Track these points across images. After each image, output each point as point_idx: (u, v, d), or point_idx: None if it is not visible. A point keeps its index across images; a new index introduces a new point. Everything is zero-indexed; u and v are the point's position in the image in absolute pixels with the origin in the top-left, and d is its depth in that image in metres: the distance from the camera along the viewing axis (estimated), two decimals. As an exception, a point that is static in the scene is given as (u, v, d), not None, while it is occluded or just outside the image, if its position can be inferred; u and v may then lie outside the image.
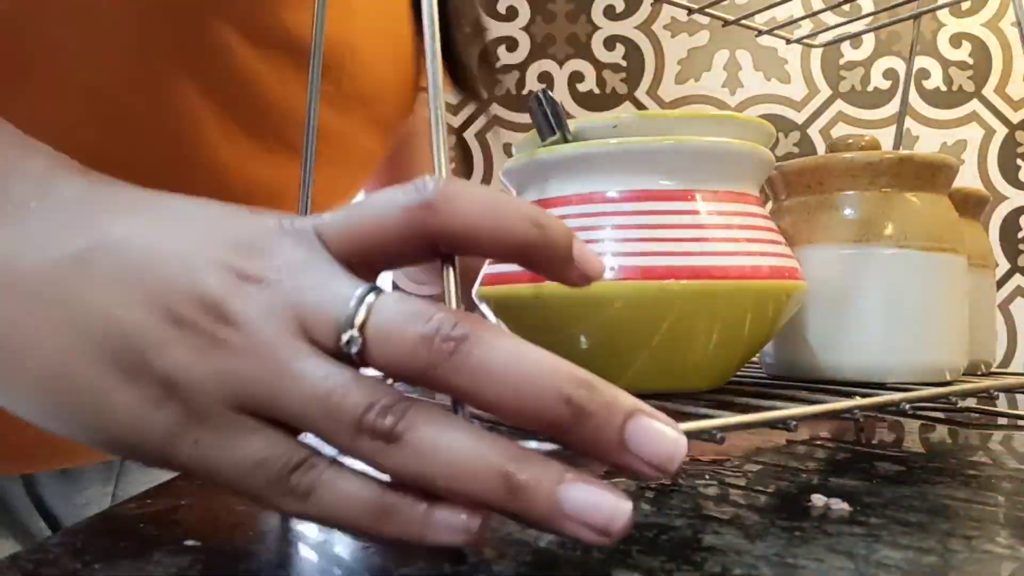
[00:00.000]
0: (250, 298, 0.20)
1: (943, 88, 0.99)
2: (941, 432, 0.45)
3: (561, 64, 1.00)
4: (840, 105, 0.98)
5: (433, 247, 0.21)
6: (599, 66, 1.00)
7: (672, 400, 0.31)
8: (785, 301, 0.34)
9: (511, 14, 1.01)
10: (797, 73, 0.97)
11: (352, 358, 0.20)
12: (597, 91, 1.00)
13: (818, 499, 0.28)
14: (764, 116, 0.99)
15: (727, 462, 0.36)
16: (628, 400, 0.20)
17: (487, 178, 1.00)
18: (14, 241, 0.21)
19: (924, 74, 1.00)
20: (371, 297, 0.20)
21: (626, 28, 1.00)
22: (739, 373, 0.46)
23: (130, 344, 0.20)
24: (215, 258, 0.20)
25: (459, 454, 0.19)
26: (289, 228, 0.21)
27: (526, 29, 1.01)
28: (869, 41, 0.98)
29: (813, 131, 0.99)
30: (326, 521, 0.20)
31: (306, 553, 0.23)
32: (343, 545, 0.23)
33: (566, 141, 0.35)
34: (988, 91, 1.00)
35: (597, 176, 0.34)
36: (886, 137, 0.99)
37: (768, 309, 0.34)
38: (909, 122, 0.99)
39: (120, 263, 0.20)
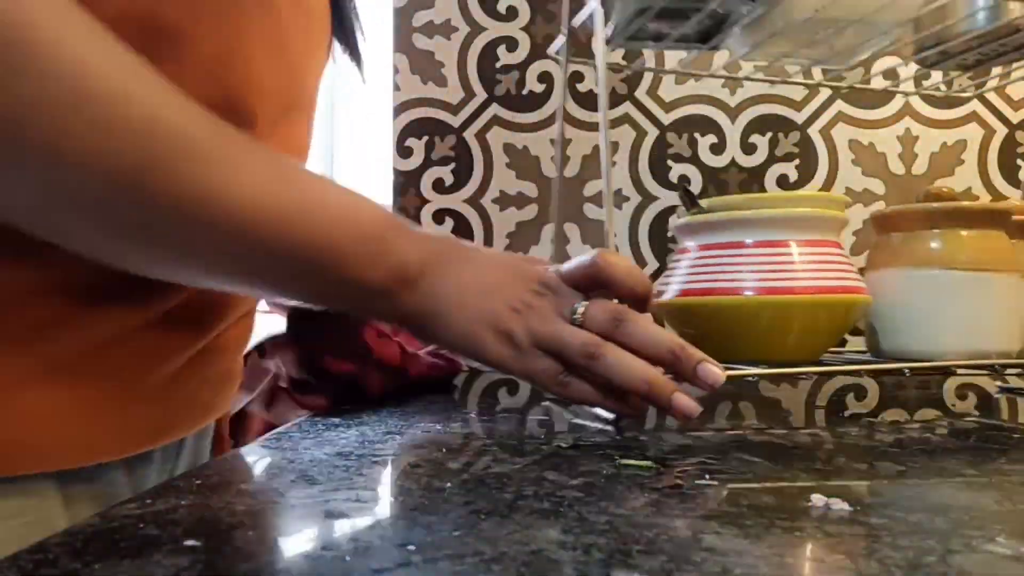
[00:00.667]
0: (542, 303, 0.44)
1: (596, 91, 1.00)
2: (941, 432, 0.45)
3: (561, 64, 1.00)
4: (840, 105, 0.98)
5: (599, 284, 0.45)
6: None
7: (761, 365, 0.55)
8: (851, 307, 0.59)
9: (511, 14, 1.01)
10: (797, 74, 0.97)
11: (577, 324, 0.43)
12: (597, 91, 1.00)
13: (818, 499, 0.28)
14: (764, 116, 0.99)
15: (727, 462, 0.36)
16: (698, 354, 0.42)
17: (487, 177, 1.00)
18: (449, 283, 0.44)
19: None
20: (583, 304, 0.43)
21: (626, 28, 1.00)
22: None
23: (498, 320, 0.43)
24: (524, 288, 0.44)
25: (627, 366, 0.42)
26: (535, 272, 0.45)
27: (526, 29, 1.01)
28: (869, 41, 0.98)
29: (813, 131, 0.99)
30: (575, 400, 0.44)
31: (306, 553, 0.23)
32: (343, 545, 0.23)
33: (702, 212, 0.63)
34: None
35: (736, 231, 0.61)
36: (886, 137, 0.99)
37: (841, 311, 0.59)
38: (909, 122, 0.99)
39: (490, 286, 0.44)
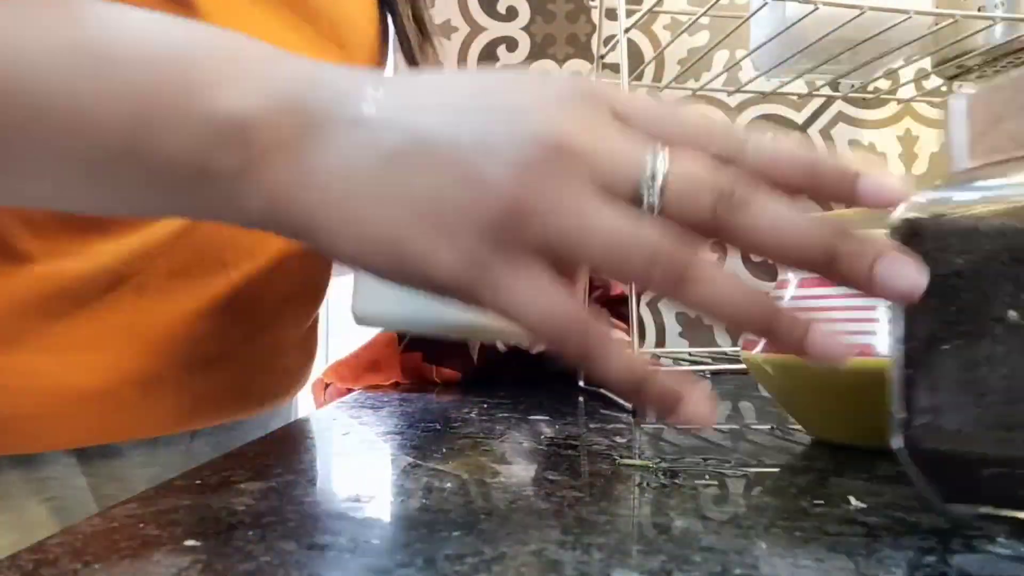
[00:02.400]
0: (549, 165, 0.23)
1: (944, 88, 0.99)
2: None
3: (561, 64, 1.00)
4: (840, 105, 0.98)
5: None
6: (599, 66, 1.00)
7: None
8: None
9: (511, 14, 1.01)
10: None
11: (648, 210, 0.24)
12: None
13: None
14: (764, 116, 0.99)
15: (727, 462, 0.36)
16: (878, 242, 0.24)
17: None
18: (343, 153, 0.25)
19: (923, 73, 1.00)
20: (665, 160, 0.24)
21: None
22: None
23: (450, 213, 0.24)
24: (513, 130, 0.24)
25: (729, 294, 0.24)
26: (578, 95, 0.25)
27: (526, 29, 1.01)
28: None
29: (813, 131, 0.99)
30: (605, 374, 0.24)
31: (306, 553, 0.23)
32: (343, 545, 0.23)
33: None
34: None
35: None
36: (886, 137, 0.99)
37: None
38: (909, 122, 0.99)
39: (430, 154, 0.25)
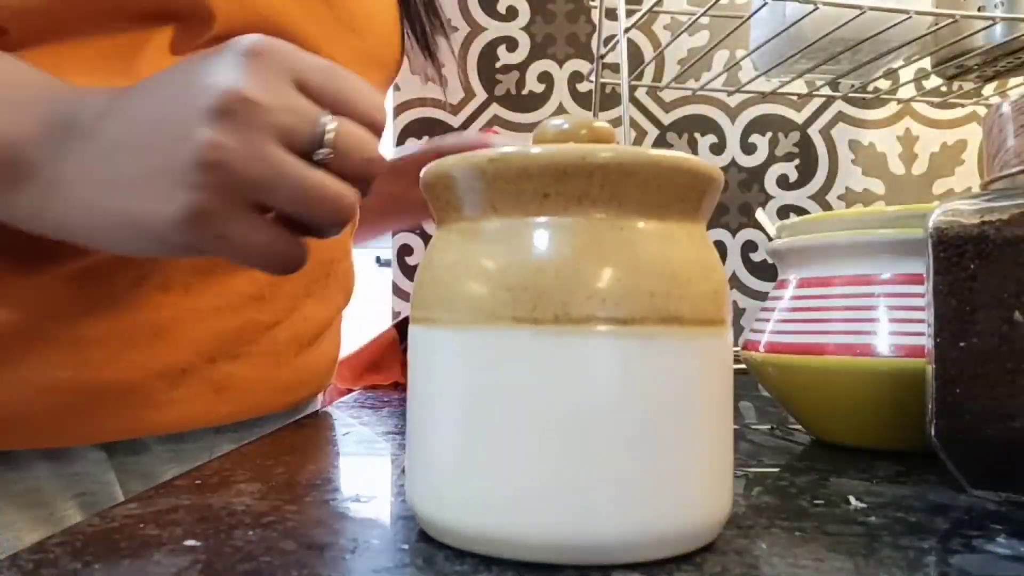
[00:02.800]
0: (238, 116, 0.27)
1: (943, 88, 0.99)
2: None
3: (561, 64, 1.00)
4: (840, 105, 0.98)
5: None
6: (600, 66, 1.00)
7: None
8: None
9: (511, 14, 1.01)
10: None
11: (318, 161, 0.29)
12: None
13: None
14: (764, 116, 0.99)
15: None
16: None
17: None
18: (84, 157, 0.30)
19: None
20: (333, 123, 0.29)
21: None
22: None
23: (170, 181, 0.28)
24: (207, 87, 0.28)
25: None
26: (265, 64, 0.29)
27: (526, 29, 1.01)
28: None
29: (813, 131, 0.99)
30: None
31: (306, 553, 0.23)
32: (343, 545, 0.23)
33: (770, 240, 0.45)
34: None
35: (867, 259, 0.39)
36: (886, 137, 0.99)
37: None
38: (909, 122, 0.99)
39: (141, 130, 0.29)
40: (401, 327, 0.68)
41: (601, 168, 0.22)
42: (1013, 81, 0.82)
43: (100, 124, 0.30)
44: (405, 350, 0.68)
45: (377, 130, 0.31)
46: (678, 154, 0.23)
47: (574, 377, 0.21)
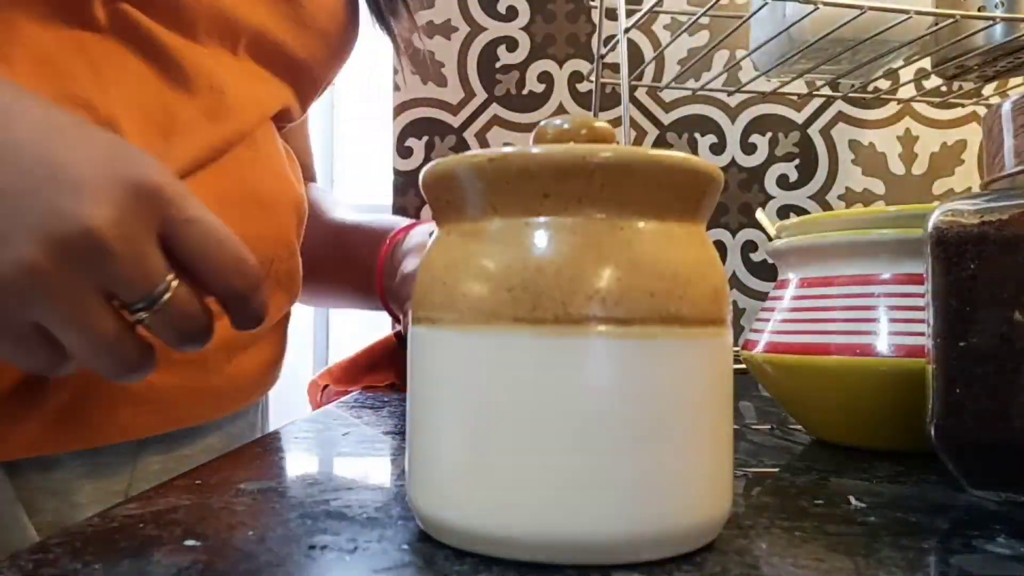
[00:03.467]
0: (71, 248, 0.26)
1: (943, 88, 0.99)
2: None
3: (561, 64, 1.00)
4: (840, 105, 0.98)
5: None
6: (600, 66, 1.00)
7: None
8: None
9: (511, 14, 1.01)
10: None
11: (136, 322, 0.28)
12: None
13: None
14: (763, 116, 0.99)
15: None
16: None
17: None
18: None
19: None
20: (169, 293, 0.28)
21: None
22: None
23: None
24: (50, 201, 0.26)
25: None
26: (126, 179, 0.27)
27: (526, 29, 1.01)
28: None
29: (813, 131, 0.99)
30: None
31: (306, 553, 0.23)
32: (343, 545, 0.23)
33: (770, 240, 0.45)
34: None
35: (868, 259, 0.38)
36: (886, 137, 0.99)
37: None
38: (909, 122, 0.99)
39: None
40: (401, 334, 0.68)
41: (601, 168, 0.22)
42: (1013, 81, 0.82)
43: None
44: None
45: (231, 294, 0.30)
46: (678, 154, 0.23)
47: (574, 377, 0.21)
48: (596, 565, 0.21)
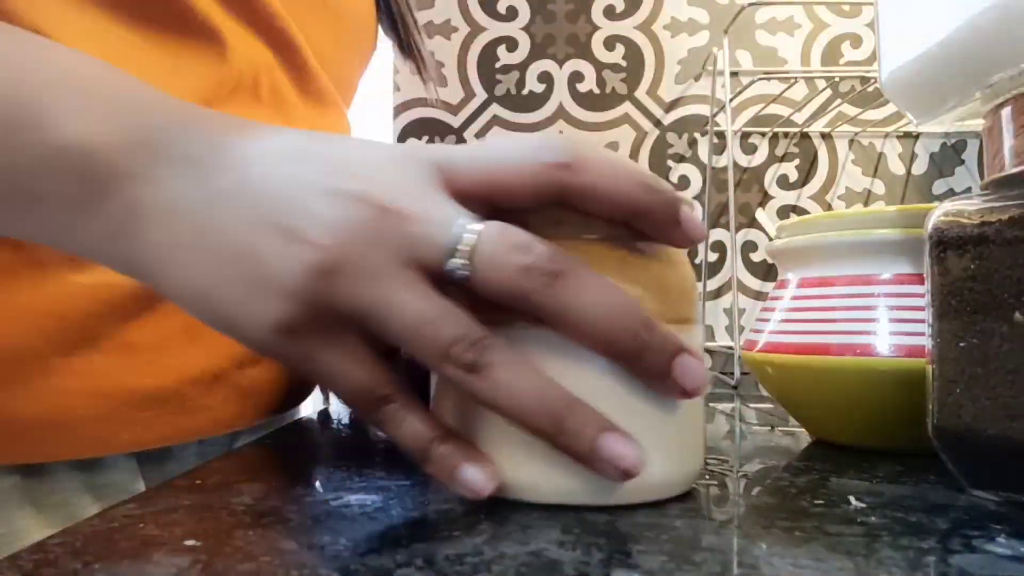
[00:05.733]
0: (357, 222, 0.24)
1: (596, 91, 1.00)
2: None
3: (561, 64, 1.00)
4: (840, 105, 0.98)
5: (558, 199, 0.25)
6: (599, 66, 1.00)
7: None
8: None
9: (511, 14, 1.01)
10: (798, 73, 0.97)
11: (457, 282, 0.24)
12: (597, 91, 1.00)
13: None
14: (763, 116, 0.99)
15: (727, 462, 0.36)
16: (677, 340, 0.25)
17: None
18: (174, 190, 0.25)
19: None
20: (477, 226, 0.24)
21: (626, 28, 1.00)
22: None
23: (261, 268, 0.24)
24: (328, 185, 0.24)
25: (522, 391, 0.24)
26: (410, 158, 0.25)
27: (526, 29, 1.01)
28: (869, 41, 0.98)
29: (813, 131, 0.99)
30: (397, 441, 0.26)
31: (306, 553, 0.23)
32: (343, 545, 0.23)
33: (770, 240, 0.45)
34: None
35: (867, 260, 0.39)
36: (887, 138, 0.99)
37: None
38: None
39: (251, 198, 0.24)
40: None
41: None
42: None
43: (204, 165, 0.25)
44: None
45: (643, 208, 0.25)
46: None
47: (579, 363, 0.25)
48: (603, 505, 0.27)
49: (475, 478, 0.25)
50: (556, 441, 0.24)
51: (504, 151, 0.25)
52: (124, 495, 0.40)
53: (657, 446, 0.27)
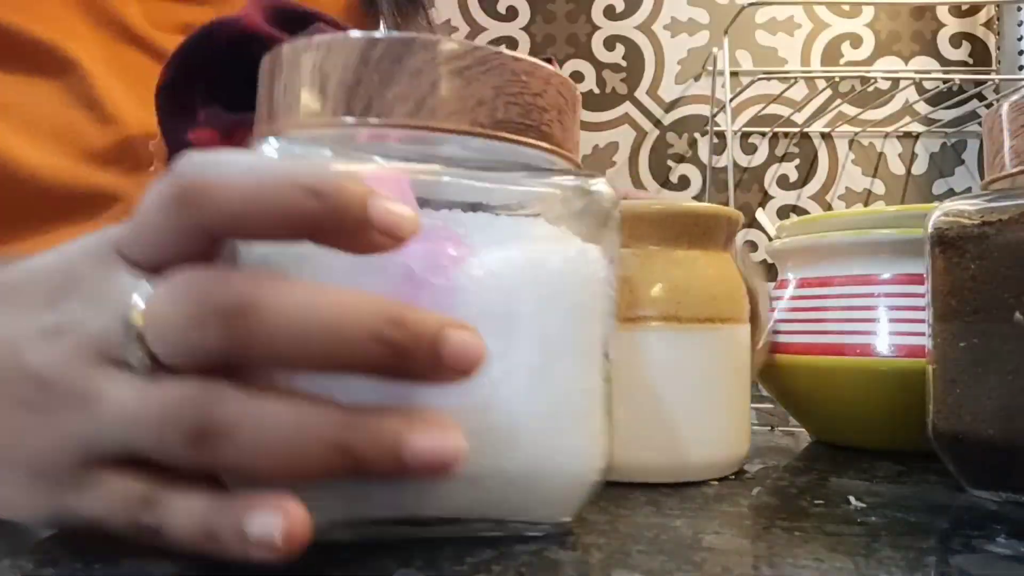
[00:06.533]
0: (57, 351, 0.20)
1: (596, 91, 1.00)
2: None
3: (561, 64, 1.00)
4: (840, 105, 0.98)
5: (206, 236, 0.19)
6: (599, 66, 1.00)
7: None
8: None
9: (511, 14, 1.01)
10: (798, 73, 0.97)
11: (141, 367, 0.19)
12: (597, 91, 1.00)
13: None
14: (764, 116, 0.99)
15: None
16: (432, 320, 0.18)
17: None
18: None
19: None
20: (142, 296, 0.19)
21: (626, 28, 1.00)
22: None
23: None
24: (31, 327, 0.20)
25: (279, 439, 0.18)
26: (87, 253, 0.21)
27: (526, 29, 1.01)
28: (869, 41, 0.98)
29: (813, 131, 0.99)
30: (189, 551, 0.19)
31: (306, 553, 0.23)
32: (343, 545, 0.23)
33: (770, 240, 0.46)
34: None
35: (867, 259, 0.38)
36: (887, 138, 0.99)
37: None
38: (909, 122, 0.99)
39: None
40: None
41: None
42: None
43: None
44: None
45: (317, 220, 0.18)
46: (701, 205, 0.33)
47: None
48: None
49: (266, 524, 0.18)
50: (356, 474, 0.19)
51: (143, 206, 0.20)
52: None
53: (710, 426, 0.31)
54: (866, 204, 0.99)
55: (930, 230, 0.30)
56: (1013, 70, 0.95)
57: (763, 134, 0.99)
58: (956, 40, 0.99)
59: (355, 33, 0.22)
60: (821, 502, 0.28)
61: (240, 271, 0.19)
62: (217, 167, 0.19)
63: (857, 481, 0.32)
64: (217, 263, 0.19)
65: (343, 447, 0.18)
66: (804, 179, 0.99)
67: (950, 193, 0.99)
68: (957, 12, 0.99)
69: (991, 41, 0.99)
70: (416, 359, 0.18)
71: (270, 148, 0.22)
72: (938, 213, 0.30)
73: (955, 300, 0.29)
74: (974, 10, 0.99)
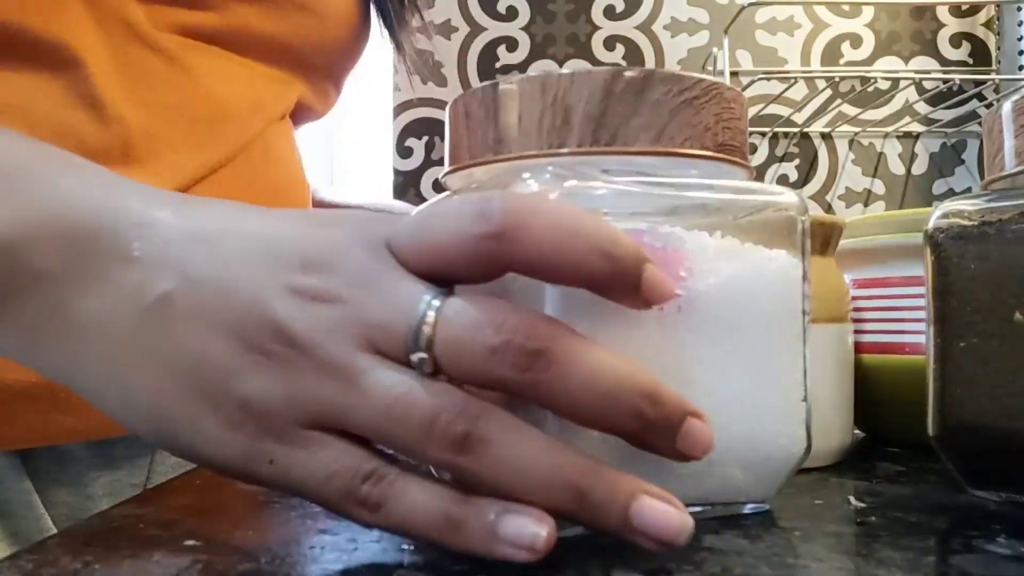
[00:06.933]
0: (316, 318, 0.21)
1: (943, 89, 0.99)
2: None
3: (561, 64, 1.00)
4: (840, 105, 0.98)
5: (502, 272, 0.21)
6: (599, 66, 1.00)
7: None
8: None
9: (511, 14, 1.01)
10: (798, 73, 0.97)
11: (419, 368, 0.21)
12: None
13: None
14: (764, 116, 0.99)
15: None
16: (683, 406, 0.21)
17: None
18: (107, 295, 0.22)
19: (924, 74, 1.00)
20: (436, 306, 0.21)
21: (626, 28, 1.00)
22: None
23: (212, 376, 0.21)
24: (282, 282, 0.21)
25: (532, 466, 0.20)
26: (359, 240, 0.22)
27: (526, 29, 1.01)
28: (869, 41, 0.98)
29: (813, 131, 0.99)
30: (398, 532, 0.21)
31: (306, 553, 0.23)
32: (343, 545, 0.23)
33: None
34: (987, 91, 1.00)
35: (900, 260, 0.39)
36: (887, 138, 0.99)
37: None
38: (909, 122, 0.99)
39: (198, 302, 0.22)
40: None
41: None
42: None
43: (148, 263, 0.22)
44: None
45: (600, 276, 0.21)
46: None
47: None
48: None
49: (525, 527, 0.20)
50: (580, 518, 0.21)
51: (443, 222, 0.21)
52: (11, 493, 0.39)
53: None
54: (866, 204, 0.99)
55: (930, 230, 0.30)
56: (1013, 70, 0.95)
57: (763, 134, 0.99)
58: (956, 40, 0.99)
59: (594, 68, 0.25)
60: (821, 502, 0.28)
61: (542, 317, 0.21)
62: (534, 211, 0.21)
63: (857, 481, 0.32)
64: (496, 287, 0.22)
65: (581, 491, 0.20)
66: (804, 179, 0.99)
67: (950, 193, 0.99)
68: (957, 12, 0.99)
69: (991, 41, 0.99)
70: (659, 436, 0.21)
71: (540, 176, 0.24)
72: (938, 213, 0.30)
73: (955, 300, 0.29)
74: (974, 10, 0.99)
